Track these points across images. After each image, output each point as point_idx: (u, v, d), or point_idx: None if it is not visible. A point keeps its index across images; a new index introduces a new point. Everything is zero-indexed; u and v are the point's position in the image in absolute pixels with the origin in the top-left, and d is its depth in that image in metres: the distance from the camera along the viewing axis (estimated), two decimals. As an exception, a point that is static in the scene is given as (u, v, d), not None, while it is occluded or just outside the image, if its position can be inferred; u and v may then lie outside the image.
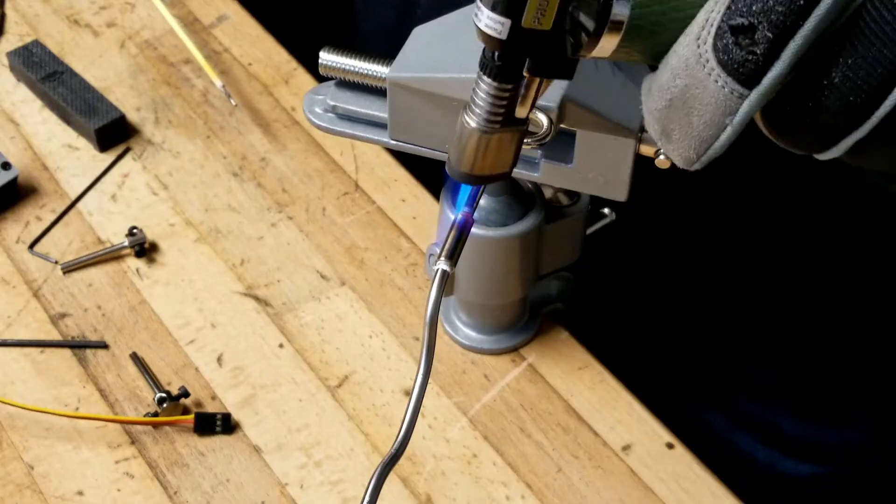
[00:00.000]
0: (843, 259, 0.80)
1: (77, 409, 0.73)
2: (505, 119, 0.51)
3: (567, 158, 0.63)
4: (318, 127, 0.68)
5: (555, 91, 0.58)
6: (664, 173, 0.61)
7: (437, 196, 0.83)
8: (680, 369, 0.89)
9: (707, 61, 0.44)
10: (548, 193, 0.73)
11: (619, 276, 0.88)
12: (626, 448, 0.72)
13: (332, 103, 0.67)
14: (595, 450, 0.72)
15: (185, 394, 0.72)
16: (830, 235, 0.78)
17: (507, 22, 0.46)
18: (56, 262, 0.80)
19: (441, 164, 0.66)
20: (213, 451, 0.71)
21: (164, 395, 0.72)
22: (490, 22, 0.46)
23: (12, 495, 0.69)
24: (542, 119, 0.57)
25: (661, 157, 0.61)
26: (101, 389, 0.74)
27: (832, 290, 0.82)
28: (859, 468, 0.88)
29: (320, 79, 0.68)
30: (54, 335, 0.77)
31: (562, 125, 0.59)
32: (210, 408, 0.73)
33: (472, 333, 0.77)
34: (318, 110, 0.68)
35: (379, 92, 0.66)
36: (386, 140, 0.66)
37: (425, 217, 0.83)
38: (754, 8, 0.42)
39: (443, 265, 0.52)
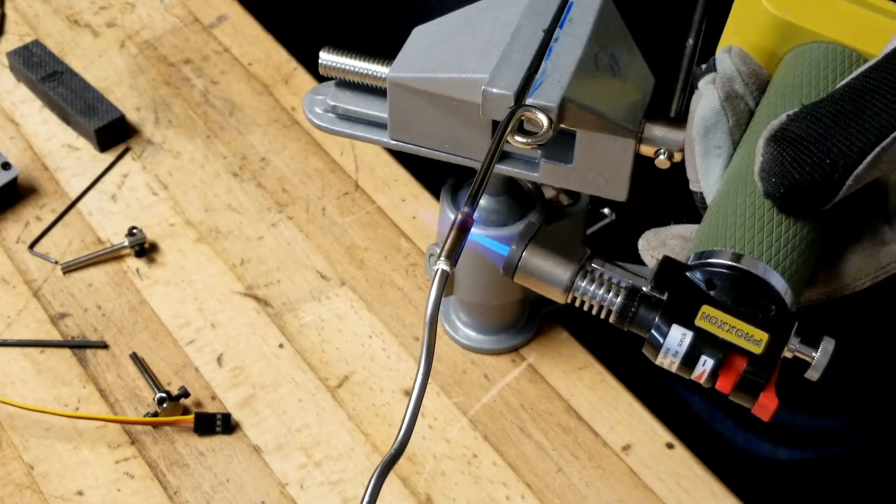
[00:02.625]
0: None
1: (77, 409, 0.73)
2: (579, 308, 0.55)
3: (567, 158, 0.63)
4: (318, 127, 0.68)
5: (555, 91, 0.58)
6: (664, 173, 0.61)
7: (437, 196, 0.83)
8: None
9: None
10: (548, 193, 0.73)
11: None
12: (626, 448, 0.72)
13: (332, 103, 0.67)
14: (595, 450, 0.72)
15: (185, 394, 0.72)
16: None
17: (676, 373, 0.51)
18: (56, 262, 0.80)
19: (441, 164, 0.66)
20: (213, 451, 0.71)
21: (164, 395, 0.72)
22: (667, 364, 0.51)
23: (12, 495, 0.69)
24: (542, 119, 0.57)
25: (661, 157, 0.61)
26: (101, 389, 0.74)
27: None
28: (837, 454, 0.89)
29: (320, 79, 0.68)
30: (54, 335, 0.77)
31: (562, 125, 0.59)
32: (210, 408, 0.73)
33: (472, 333, 0.77)
34: (318, 110, 0.68)
35: (379, 92, 0.66)
36: (386, 140, 0.66)
37: (425, 217, 0.83)
38: None
39: (443, 265, 0.52)
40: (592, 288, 0.53)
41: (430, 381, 0.52)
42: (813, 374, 0.50)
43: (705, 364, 0.49)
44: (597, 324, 0.81)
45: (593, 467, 0.71)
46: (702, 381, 0.50)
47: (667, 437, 0.72)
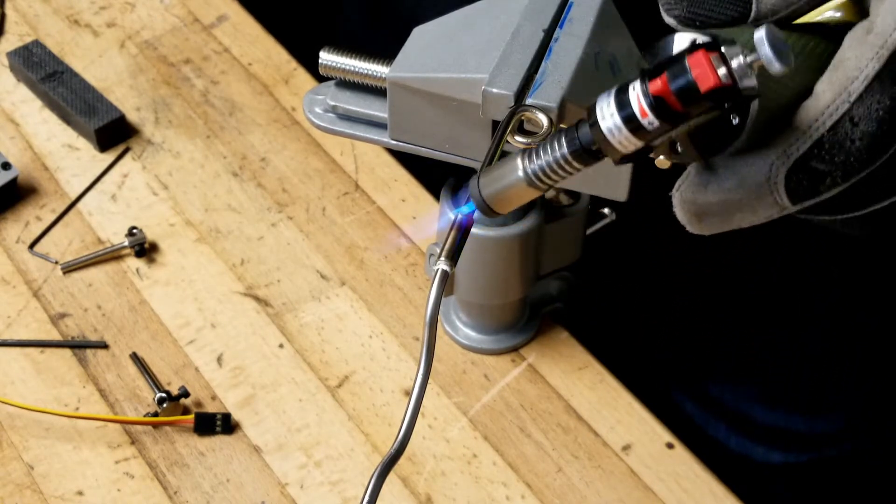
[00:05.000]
0: (818, 254, 0.81)
1: (77, 409, 0.73)
2: (553, 184, 0.52)
3: (567, 158, 0.63)
4: (318, 127, 0.68)
5: (555, 91, 0.58)
6: (664, 173, 0.61)
7: (437, 196, 0.83)
8: (662, 360, 0.90)
9: (775, 185, 0.48)
10: (548, 193, 0.73)
11: (619, 276, 0.88)
12: (626, 448, 0.72)
13: (332, 103, 0.67)
14: (595, 450, 0.72)
15: (185, 394, 0.73)
16: (808, 231, 0.78)
17: (640, 144, 0.47)
18: (56, 262, 0.80)
19: (441, 164, 0.66)
20: (213, 451, 0.71)
21: (164, 395, 0.72)
22: (623, 139, 0.47)
23: (12, 495, 0.69)
24: (542, 119, 0.57)
25: (661, 157, 0.60)
26: (101, 389, 0.74)
27: (806, 282, 0.83)
28: (830, 456, 0.89)
29: (320, 79, 0.68)
30: (54, 335, 0.77)
31: (562, 125, 0.59)
32: (210, 408, 0.73)
33: (472, 333, 0.77)
34: (318, 110, 0.68)
35: (379, 92, 0.66)
36: (386, 140, 0.66)
37: (425, 217, 0.83)
38: (836, 159, 0.47)
39: (443, 265, 0.52)
40: (541, 153, 0.51)
41: (430, 381, 0.52)
42: (774, 68, 0.44)
43: (635, 90, 0.46)
44: (597, 324, 0.81)
45: (593, 467, 0.71)
46: (647, 117, 0.46)
47: (667, 437, 0.72)
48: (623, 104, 0.46)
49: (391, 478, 0.69)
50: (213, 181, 0.86)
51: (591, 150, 0.49)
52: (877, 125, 0.46)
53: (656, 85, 0.46)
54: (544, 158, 0.51)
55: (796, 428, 0.88)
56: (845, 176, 0.47)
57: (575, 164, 0.50)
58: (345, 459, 0.71)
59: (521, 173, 0.51)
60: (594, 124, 0.47)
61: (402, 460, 0.61)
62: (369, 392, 0.74)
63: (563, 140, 0.49)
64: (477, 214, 0.55)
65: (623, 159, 0.49)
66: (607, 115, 0.47)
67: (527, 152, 0.51)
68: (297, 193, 0.85)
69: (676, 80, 0.45)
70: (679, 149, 0.49)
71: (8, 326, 0.77)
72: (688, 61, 0.45)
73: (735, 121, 0.48)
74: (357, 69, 0.66)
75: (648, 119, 0.46)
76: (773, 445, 0.89)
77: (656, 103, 0.46)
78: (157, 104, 0.91)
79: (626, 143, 0.47)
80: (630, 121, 0.47)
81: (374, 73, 0.65)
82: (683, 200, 0.52)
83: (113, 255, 0.81)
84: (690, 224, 0.52)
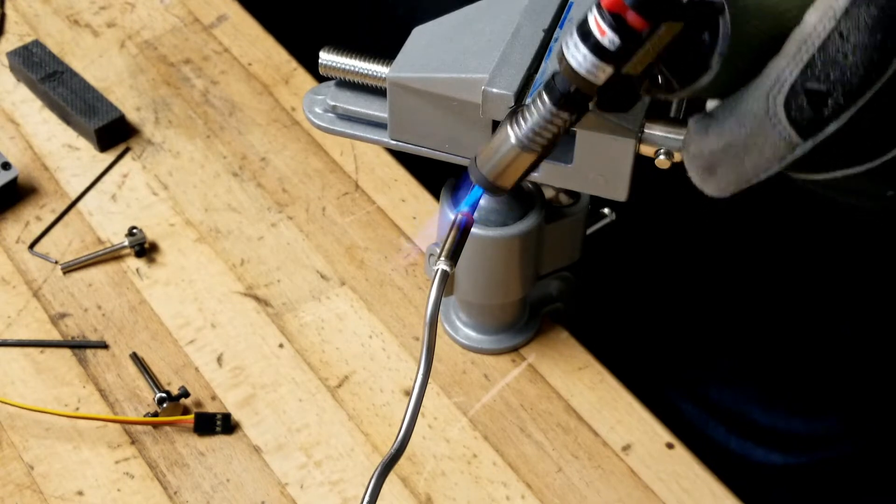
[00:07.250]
0: (818, 254, 0.81)
1: (77, 409, 0.73)
2: (548, 144, 0.52)
3: (567, 158, 0.63)
4: (318, 127, 0.68)
5: (555, 91, 0.58)
6: (664, 173, 0.61)
7: (437, 196, 0.83)
8: (662, 361, 0.90)
9: (775, 115, 0.47)
10: (548, 193, 0.73)
11: (619, 276, 0.88)
12: (626, 448, 0.72)
13: (332, 103, 0.67)
14: (595, 450, 0.72)
15: (185, 394, 0.73)
16: (807, 232, 0.78)
17: (609, 69, 0.47)
18: (56, 262, 0.80)
19: (441, 164, 0.67)
20: (213, 451, 0.71)
21: (164, 395, 0.72)
22: (591, 67, 0.47)
23: (12, 495, 0.69)
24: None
25: (661, 157, 0.61)
26: (101, 389, 0.74)
27: (805, 282, 0.83)
28: (830, 457, 0.89)
29: (320, 79, 0.68)
30: (54, 335, 0.77)
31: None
32: (210, 408, 0.73)
33: (472, 333, 0.77)
34: (318, 110, 0.68)
35: (379, 92, 0.66)
36: (386, 140, 0.66)
37: (425, 217, 0.83)
38: (832, 76, 0.46)
39: (443, 265, 0.52)
40: (527, 114, 0.51)
41: (430, 381, 0.52)
42: None
43: (592, 12, 0.46)
44: (597, 324, 0.81)
45: (593, 467, 0.71)
46: (605, 35, 0.46)
47: (667, 437, 0.72)
48: (585, 33, 0.46)
49: (391, 478, 0.69)
50: (213, 181, 0.86)
51: (569, 93, 0.49)
52: (868, 34, 0.45)
53: (610, 5, 0.45)
54: (531, 119, 0.50)
55: (796, 429, 0.89)
56: (847, 97, 0.46)
57: (561, 114, 0.49)
58: (345, 459, 0.71)
59: (513, 140, 0.51)
60: (562, 61, 0.47)
61: (402, 460, 0.61)
62: (369, 392, 0.74)
63: (545, 94, 0.49)
64: (478, 215, 0.55)
65: (603, 97, 0.48)
66: (572, 46, 0.47)
67: (514, 118, 0.51)
68: (297, 193, 0.85)
69: (642, 8, 0.45)
70: (660, 80, 0.48)
71: (8, 326, 0.77)
72: None
73: (707, 39, 0.47)
74: (357, 69, 0.66)
75: (608, 37, 0.46)
76: (772, 447, 0.89)
77: (613, 19, 0.45)
78: (157, 104, 0.91)
79: (596, 70, 0.47)
80: (595, 48, 0.46)
81: (374, 73, 0.65)
82: (691, 155, 0.51)
83: (113, 255, 0.81)
84: (704, 182, 0.51)
